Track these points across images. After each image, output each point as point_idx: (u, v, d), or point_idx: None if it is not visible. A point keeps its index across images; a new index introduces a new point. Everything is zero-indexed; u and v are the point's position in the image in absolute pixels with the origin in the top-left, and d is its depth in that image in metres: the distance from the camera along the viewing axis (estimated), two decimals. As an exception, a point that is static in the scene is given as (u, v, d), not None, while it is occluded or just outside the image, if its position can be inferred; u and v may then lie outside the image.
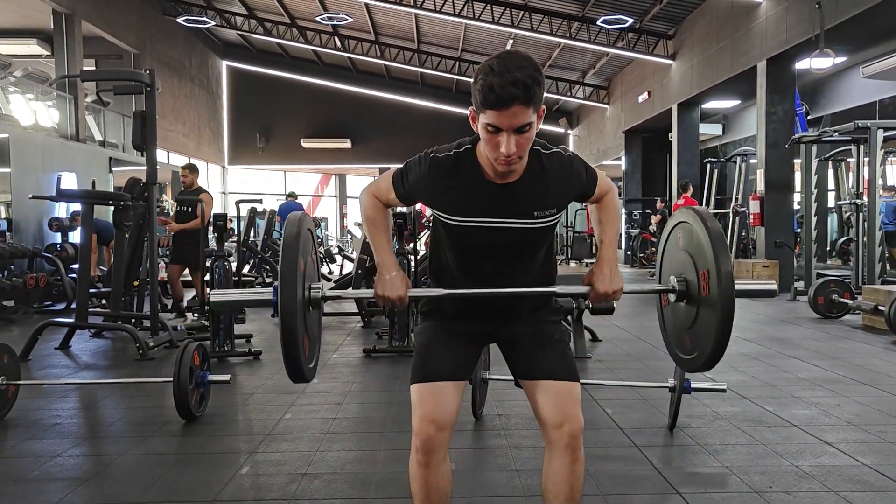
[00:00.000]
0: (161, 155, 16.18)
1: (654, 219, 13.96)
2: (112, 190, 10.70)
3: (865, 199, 7.98)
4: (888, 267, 8.50)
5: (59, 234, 9.98)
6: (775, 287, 1.93)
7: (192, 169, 7.41)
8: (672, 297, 1.91)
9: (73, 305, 6.65)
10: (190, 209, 7.15)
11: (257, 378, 4.70)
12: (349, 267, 12.79)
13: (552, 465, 1.83)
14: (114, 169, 13.38)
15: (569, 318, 5.23)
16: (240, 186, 23.98)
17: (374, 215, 1.90)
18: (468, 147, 1.78)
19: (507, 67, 1.57)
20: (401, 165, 1.86)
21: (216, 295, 1.88)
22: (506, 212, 1.77)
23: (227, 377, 3.83)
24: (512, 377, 1.98)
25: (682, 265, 1.91)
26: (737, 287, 1.74)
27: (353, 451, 3.15)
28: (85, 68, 13.54)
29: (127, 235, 6.26)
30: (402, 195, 1.86)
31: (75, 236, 9.70)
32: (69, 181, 11.12)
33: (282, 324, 1.67)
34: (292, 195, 13.83)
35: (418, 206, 8.60)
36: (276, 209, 13.21)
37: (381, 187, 1.89)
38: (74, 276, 7.47)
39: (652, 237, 15.65)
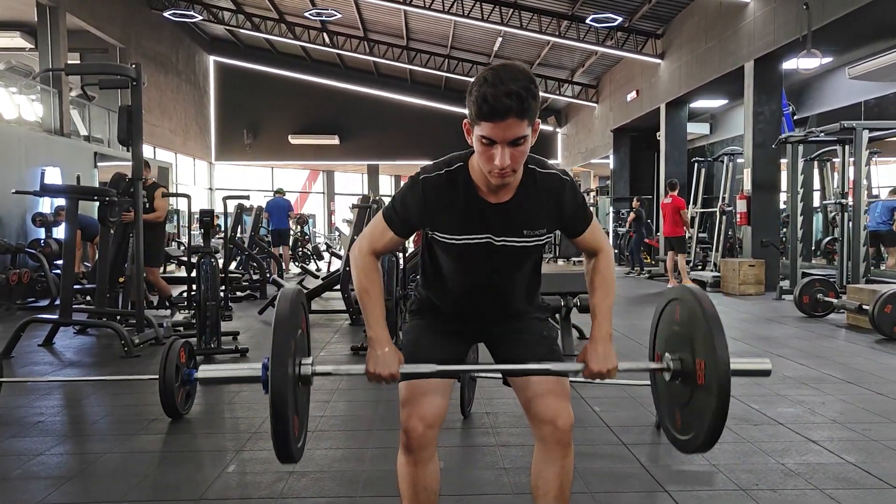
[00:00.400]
0: (147, 150, 16.07)
1: (630, 217, 13.93)
2: (97, 185, 10.60)
3: (850, 199, 8.05)
4: (872, 267, 8.57)
5: (42, 230, 9.88)
6: (770, 367, 1.88)
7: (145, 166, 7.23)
8: (667, 375, 1.87)
9: (57, 302, 6.58)
10: (146, 204, 6.99)
11: (244, 375, 4.66)
12: (337, 264, 12.76)
13: (542, 461, 1.84)
14: (99, 164, 13.28)
15: (556, 315, 5.24)
16: (227, 182, 23.85)
17: (367, 283, 1.81)
18: (459, 164, 1.75)
19: (502, 79, 1.56)
20: (388, 203, 1.83)
21: (204, 371, 1.83)
22: (497, 230, 1.77)
23: (213, 374, 3.80)
24: (500, 375, 1.98)
25: (678, 343, 1.87)
26: (732, 367, 1.70)
27: (340, 450, 3.13)
28: (69, 62, 13.42)
29: (112, 231, 6.20)
30: (398, 229, 1.80)
31: (59, 232, 9.61)
32: (53, 176, 11.01)
33: (271, 405, 1.61)
34: (280, 192, 13.75)
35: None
36: (264, 205, 13.14)
37: (374, 233, 1.83)
38: (58, 272, 7.40)
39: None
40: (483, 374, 3.57)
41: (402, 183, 1.85)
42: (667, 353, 1.89)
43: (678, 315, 1.89)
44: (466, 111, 1.64)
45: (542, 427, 1.82)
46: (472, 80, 1.64)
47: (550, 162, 1.85)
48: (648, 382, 3.57)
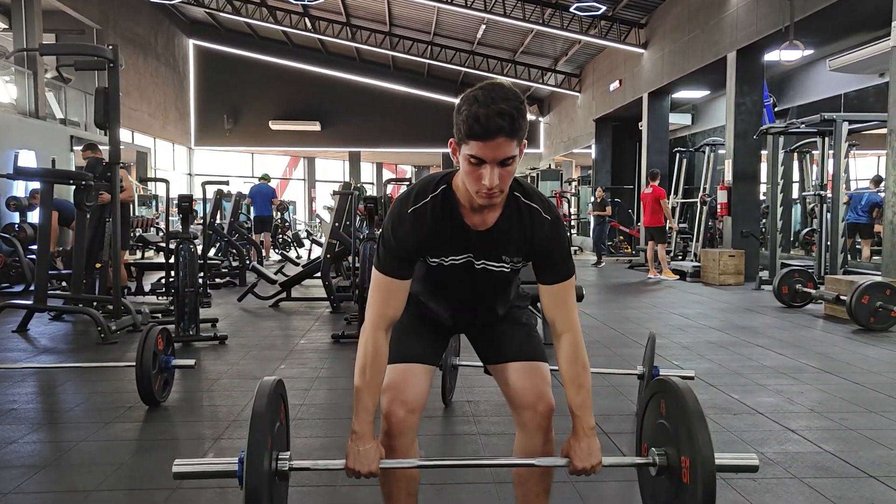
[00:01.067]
0: (125, 134, 15.82)
1: (601, 213, 13.78)
2: (73, 169, 10.41)
3: (829, 191, 8.12)
4: (850, 258, 8.67)
5: (17, 214, 9.71)
6: (757, 462, 1.86)
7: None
8: (652, 470, 1.85)
9: (32, 287, 6.46)
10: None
11: (223, 363, 4.62)
12: (317, 251, 12.68)
13: (524, 447, 1.84)
14: (75, 147, 13.04)
15: (537, 304, 5.23)
16: (207, 168, 23.59)
17: (369, 374, 1.75)
18: (444, 187, 1.73)
19: (493, 98, 1.54)
20: (376, 258, 1.79)
21: (179, 465, 1.80)
22: (478, 253, 1.77)
23: (191, 362, 3.75)
24: (481, 364, 1.99)
25: (664, 438, 1.86)
26: (717, 462, 1.69)
27: (320, 438, 3.11)
28: (45, 42, 13.12)
29: (88, 216, 6.09)
30: (398, 270, 1.75)
31: (34, 216, 9.43)
32: (28, 159, 10.81)
33: (245, 502, 1.59)
34: (265, 178, 13.61)
35: (389, 190, 8.49)
36: (248, 191, 13.01)
37: (377, 296, 1.77)
38: (33, 257, 7.28)
39: (619, 226, 15.81)
40: (466, 364, 3.56)
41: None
42: (652, 448, 1.87)
43: (664, 409, 1.88)
44: (454, 129, 1.61)
45: (522, 413, 1.83)
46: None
47: (539, 184, 1.81)
48: (628, 371, 3.59)
